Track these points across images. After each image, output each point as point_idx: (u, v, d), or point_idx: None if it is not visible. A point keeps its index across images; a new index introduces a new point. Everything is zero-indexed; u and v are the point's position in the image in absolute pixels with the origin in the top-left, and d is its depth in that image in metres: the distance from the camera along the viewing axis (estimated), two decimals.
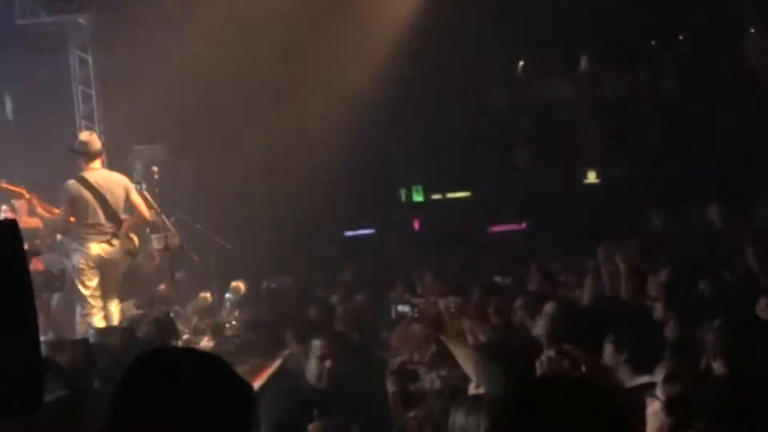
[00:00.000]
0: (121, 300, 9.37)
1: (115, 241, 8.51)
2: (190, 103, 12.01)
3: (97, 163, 8.54)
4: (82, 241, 8.42)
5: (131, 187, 8.76)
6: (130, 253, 8.89)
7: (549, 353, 3.33)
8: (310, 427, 4.42)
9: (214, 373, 1.86)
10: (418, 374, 5.05)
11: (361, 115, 14.90)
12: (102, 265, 8.46)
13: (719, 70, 17.09)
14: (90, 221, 8.38)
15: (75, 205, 8.38)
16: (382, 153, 16.16)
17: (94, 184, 8.41)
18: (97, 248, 8.39)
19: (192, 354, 2.01)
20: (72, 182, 8.42)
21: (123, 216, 8.65)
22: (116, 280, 8.72)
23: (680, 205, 13.52)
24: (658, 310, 5.73)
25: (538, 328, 4.94)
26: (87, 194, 8.36)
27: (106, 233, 8.45)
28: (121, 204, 8.59)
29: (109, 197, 8.45)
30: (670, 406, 3.14)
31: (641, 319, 4.55)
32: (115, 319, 8.54)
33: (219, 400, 1.81)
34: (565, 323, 4.57)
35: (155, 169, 10.29)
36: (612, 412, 2.02)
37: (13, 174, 10.44)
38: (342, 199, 15.34)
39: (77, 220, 8.45)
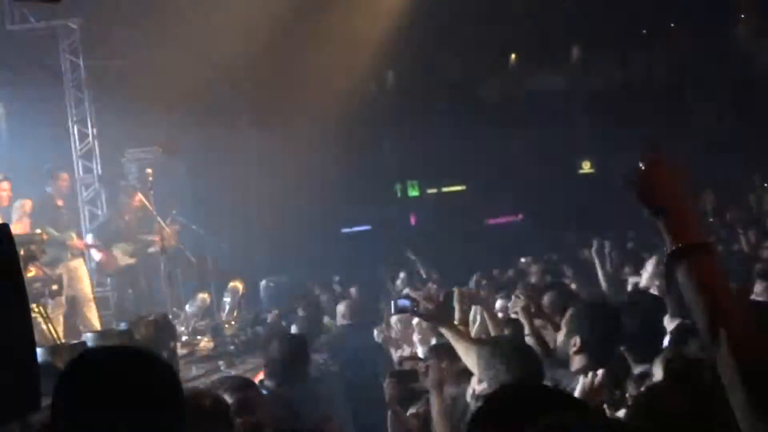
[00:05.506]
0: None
1: None
2: (183, 104, 11.96)
3: None
4: None
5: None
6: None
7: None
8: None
9: (141, 371, 1.86)
10: (417, 374, 4.98)
11: (355, 112, 14.88)
12: None
13: (712, 57, 17.08)
14: None
15: None
16: (377, 149, 16.14)
17: None
18: None
19: (121, 353, 2.01)
20: None
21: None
22: None
23: None
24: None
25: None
26: None
27: None
28: None
29: None
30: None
31: (638, 308, 4.50)
32: None
33: (146, 398, 1.81)
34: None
35: (149, 171, 10.25)
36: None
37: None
38: (338, 197, 15.32)
39: None
